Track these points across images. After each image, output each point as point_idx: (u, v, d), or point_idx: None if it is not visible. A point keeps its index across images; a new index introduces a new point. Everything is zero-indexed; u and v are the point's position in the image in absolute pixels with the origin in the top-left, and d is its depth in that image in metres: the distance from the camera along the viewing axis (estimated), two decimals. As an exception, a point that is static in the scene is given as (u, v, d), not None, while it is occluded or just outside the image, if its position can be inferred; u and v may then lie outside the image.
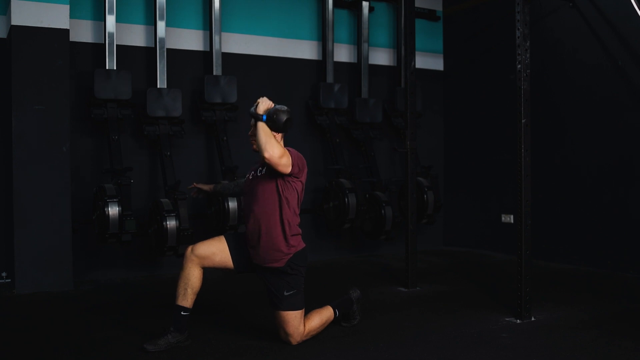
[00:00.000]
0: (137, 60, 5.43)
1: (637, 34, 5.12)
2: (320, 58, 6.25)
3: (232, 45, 5.83)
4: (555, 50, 5.83)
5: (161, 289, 4.86)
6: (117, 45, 5.15)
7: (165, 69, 5.34)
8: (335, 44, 6.25)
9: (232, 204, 5.12)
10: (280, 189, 3.23)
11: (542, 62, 5.82)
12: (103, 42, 5.12)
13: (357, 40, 6.41)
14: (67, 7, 4.82)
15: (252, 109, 3.23)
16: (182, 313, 3.22)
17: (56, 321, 3.90)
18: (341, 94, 6.13)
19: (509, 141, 5.71)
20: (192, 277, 3.23)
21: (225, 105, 5.56)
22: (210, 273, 3.47)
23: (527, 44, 3.82)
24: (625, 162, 5.27)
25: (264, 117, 3.17)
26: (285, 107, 3.24)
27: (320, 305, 3.53)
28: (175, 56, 5.55)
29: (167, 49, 5.40)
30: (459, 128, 6.95)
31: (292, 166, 3.17)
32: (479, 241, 6.69)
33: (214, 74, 5.55)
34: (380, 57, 6.66)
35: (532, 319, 3.79)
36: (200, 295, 3.30)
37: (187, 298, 3.22)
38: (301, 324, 3.29)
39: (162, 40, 5.33)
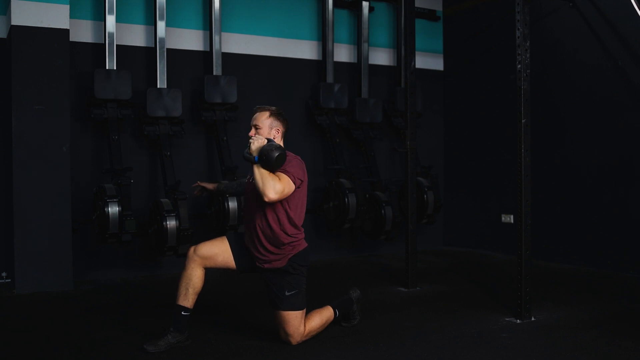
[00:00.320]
0: (137, 60, 5.43)
1: (637, 34, 5.12)
2: (320, 58, 6.25)
3: (232, 45, 5.83)
4: (555, 50, 5.83)
5: (161, 289, 4.86)
6: (117, 45, 5.15)
7: (165, 69, 5.34)
8: (335, 44, 6.25)
9: (232, 204, 5.12)
10: None
11: (542, 62, 5.82)
12: (103, 42, 5.12)
13: (357, 40, 6.41)
14: (67, 7, 4.82)
15: (246, 150, 3.18)
16: (182, 313, 3.22)
17: (56, 321, 3.90)
18: (341, 94, 6.13)
19: (509, 141, 5.71)
20: (194, 277, 3.23)
21: (225, 105, 5.56)
22: (211, 273, 3.46)
23: (527, 44, 3.82)
24: (625, 162, 5.27)
25: (256, 159, 3.13)
26: (275, 143, 3.16)
27: (320, 305, 3.53)
28: (175, 56, 5.55)
29: (167, 49, 5.40)
30: (459, 128, 6.95)
31: (295, 182, 3.18)
32: (479, 241, 6.69)
33: (214, 74, 5.55)
34: (380, 57, 6.66)
35: (532, 319, 3.79)
36: (201, 296, 3.30)
37: (188, 298, 3.22)
38: (301, 324, 3.29)
39: (162, 40, 5.33)
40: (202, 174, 5.69)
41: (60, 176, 4.79)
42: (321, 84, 6.07)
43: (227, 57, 5.74)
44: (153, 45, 5.39)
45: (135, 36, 5.43)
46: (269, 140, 3.21)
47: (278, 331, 3.33)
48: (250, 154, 3.14)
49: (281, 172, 3.16)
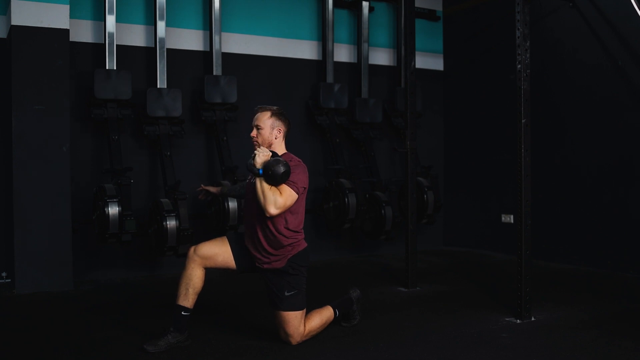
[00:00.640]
0: (137, 60, 5.43)
1: (637, 34, 5.12)
2: (320, 58, 6.25)
3: (232, 45, 5.83)
4: (555, 50, 5.83)
5: (161, 289, 4.86)
6: (117, 45, 5.15)
7: (165, 69, 5.34)
8: (335, 44, 6.25)
9: (232, 204, 5.12)
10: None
11: (542, 62, 5.82)
12: (103, 42, 5.12)
13: (357, 40, 6.41)
14: (67, 7, 4.82)
15: (250, 161, 3.16)
16: (182, 313, 3.22)
17: (56, 321, 3.90)
18: (341, 94, 6.13)
19: (509, 141, 5.71)
20: (195, 277, 3.23)
21: (225, 105, 5.56)
22: (211, 273, 3.46)
23: (527, 44, 3.82)
24: (625, 162, 5.27)
25: (260, 172, 3.11)
26: (281, 159, 3.14)
27: (320, 305, 3.53)
28: (175, 56, 5.55)
29: (167, 49, 5.40)
30: (459, 128, 6.95)
31: (298, 192, 3.18)
32: (479, 241, 6.69)
33: (214, 74, 5.55)
34: (380, 57, 6.66)
35: (532, 319, 3.79)
36: (201, 296, 3.30)
37: (188, 298, 3.22)
38: (301, 324, 3.29)
39: (162, 40, 5.33)
40: (202, 174, 5.69)
41: (60, 176, 4.79)
42: (321, 84, 6.07)
43: (227, 57, 5.74)
44: (153, 45, 5.39)
45: (135, 36, 5.43)
46: (273, 153, 3.20)
47: (278, 331, 3.33)
48: (254, 166, 3.13)
49: (285, 183, 3.15)
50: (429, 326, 3.69)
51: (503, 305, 4.12)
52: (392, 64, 6.73)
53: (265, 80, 5.99)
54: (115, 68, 5.09)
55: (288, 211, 3.23)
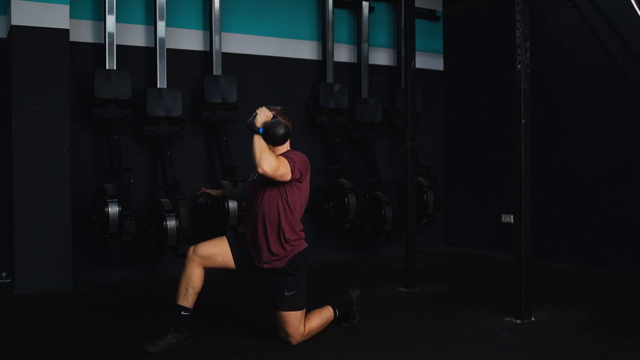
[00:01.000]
0: (137, 60, 5.43)
1: (637, 34, 5.12)
2: (320, 58, 6.25)
3: (232, 45, 5.83)
4: (555, 50, 5.83)
5: (161, 289, 4.86)
6: (117, 45, 5.15)
7: (165, 69, 5.34)
8: (335, 44, 6.25)
9: (232, 205, 5.12)
10: (282, 190, 3.23)
11: (542, 62, 5.82)
12: (103, 42, 5.12)
13: (357, 40, 6.41)
14: (67, 7, 4.82)
15: (250, 119, 3.18)
16: (182, 313, 3.22)
17: (56, 321, 3.90)
18: (341, 94, 6.13)
19: (509, 141, 5.71)
20: (194, 277, 3.23)
21: (225, 105, 5.56)
22: (211, 273, 3.46)
23: (527, 44, 3.82)
24: (625, 162, 5.27)
25: (260, 130, 3.13)
26: (282, 121, 3.18)
27: (320, 305, 3.53)
28: (175, 56, 5.55)
29: (167, 49, 5.40)
30: (459, 128, 6.95)
31: (293, 172, 3.16)
32: (479, 241, 6.69)
33: (214, 74, 5.55)
34: (380, 57, 6.66)
35: (532, 319, 3.79)
36: (201, 295, 3.30)
37: (188, 298, 3.22)
38: (301, 324, 3.29)
39: (162, 40, 5.33)
40: (202, 174, 5.69)
41: (60, 176, 4.79)
42: (321, 84, 6.07)
43: (227, 57, 5.74)
44: (153, 45, 5.39)
45: (135, 36, 5.43)
46: (274, 115, 3.21)
47: (278, 331, 3.33)
48: (254, 124, 3.14)
49: (284, 156, 3.16)
50: (429, 326, 3.69)
51: (503, 305, 4.12)
52: (392, 64, 6.73)
53: (265, 80, 5.99)
54: (115, 68, 5.09)
55: (288, 208, 3.23)
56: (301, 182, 3.26)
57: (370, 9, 6.42)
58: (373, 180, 6.10)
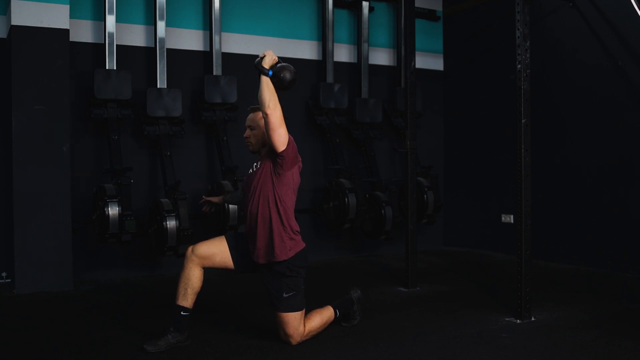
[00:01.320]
0: (137, 60, 5.43)
1: (637, 34, 5.12)
2: (320, 58, 6.25)
3: (232, 45, 5.83)
4: (555, 50, 5.83)
5: (161, 289, 4.86)
6: (117, 45, 5.15)
7: (165, 69, 5.34)
8: (335, 44, 6.25)
9: (232, 205, 5.11)
10: (275, 180, 3.21)
11: (542, 62, 5.82)
12: (103, 42, 5.12)
13: (357, 40, 6.41)
14: (67, 7, 4.82)
15: (258, 60, 3.18)
16: (182, 313, 3.22)
17: (56, 321, 3.90)
18: (341, 94, 6.13)
19: (509, 141, 5.71)
20: (193, 277, 3.23)
21: (225, 105, 5.56)
22: (211, 273, 3.46)
23: (527, 44, 3.82)
24: (625, 162, 5.27)
25: (270, 73, 3.14)
26: (291, 67, 3.21)
27: (320, 305, 3.53)
28: (175, 56, 5.55)
29: (167, 49, 5.40)
30: (459, 128, 6.95)
31: (288, 145, 3.16)
32: (479, 241, 6.69)
33: (214, 74, 5.55)
34: (380, 57, 6.66)
35: (532, 319, 3.79)
36: (200, 296, 3.30)
37: (187, 298, 3.22)
38: (301, 324, 3.29)
39: (162, 40, 5.33)
40: (202, 174, 5.69)
41: (60, 176, 4.79)
42: (321, 84, 6.07)
43: (227, 57, 5.74)
44: (153, 45, 5.39)
45: (135, 36, 5.43)
46: (276, 63, 3.22)
47: (278, 331, 3.33)
48: (263, 66, 3.15)
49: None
50: (429, 326, 3.69)
51: (503, 305, 4.12)
52: (392, 64, 6.73)
53: (265, 80, 5.98)
54: (115, 68, 5.09)
55: (281, 200, 3.21)
56: (290, 165, 3.22)
57: (370, 9, 6.42)
58: (373, 180, 6.10)
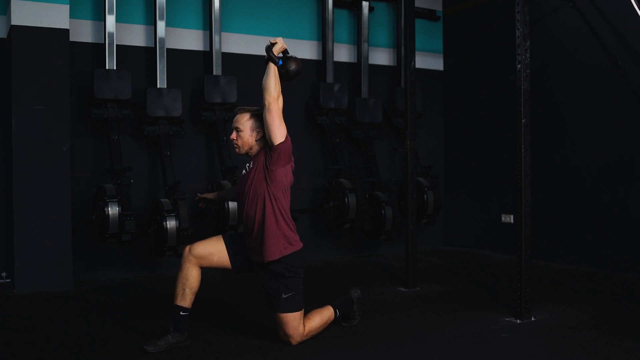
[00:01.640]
0: (137, 60, 5.43)
1: (637, 34, 5.12)
2: (320, 58, 6.25)
3: (232, 45, 5.83)
4: (555, 50, 5.83)
5: (161, 289, 4.86)
6: (117, 45, 5.15)
7: (165, 69, 5.34)
8: (335, 44, 6.25)
9: (232, 204, 5.11)
10: (269, 180, 3.20)
11: (542, 62, 5.82)
12: (103, 42, 5.12)
13: (357, 40, 6.41)
14: (67, 7, 4.82)
15: (268, 46, 3.20)
16: (181, 313, 3.22)
17: (56, 321, 3.90)
18: (341, 94, 6.13)
19: (509, 141, 5.71)
20: (191, 277, 3.23)
21: (225, 105, 5.56)
22: (207, 273, 3.46)
23: (527, 44, 3.82)
24: (625, 162, 5.27)
25: (280, 62, 3.17)
26: (297, 58, 3.26)
27: (320, 305, 3.53)
28: (175, 56, 5.55)
29: (167, 49, 5.40)
30: (459, 128, 6.95)
31: (286, 139, 3.16)
32: (479, 241, 6.69)
33: (214, 74, 5.55)
34: (380, 57, 6.66)
35: (532, 319, 3.79)
36: (198, 295, 3.30)
37: (185, 298, 3.22)
38: (300, 324, 3.29)
39: (162, 40, 5.33)
40: (202, 174, 5.69)
41: (60, 176, 4.79)
42: (321, 84, 6.07)
43: (227, 57, 5.74)
44: (153, 45, 5.39)
45: (135, 36, 5.43)
46: (284, 51, 3.25)
47: (278, 331, 3.33)
48: (273, 52, 3.19)
49: None
50: (429, 326, 3.69)
51: (503, 305, 4.12)
52: (392, 64, 6.73)
53: (265, 80, 5.98)
54: (115, 68, 5.09)
55: (275, 196, 3.20)
56: (284, 162, 3.20)
57: (370, 9, 6.42)
58: (373, 180, 6.10)
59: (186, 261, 3.24)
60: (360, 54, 6.36)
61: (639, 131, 5.16)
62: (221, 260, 3.30)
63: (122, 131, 5.27)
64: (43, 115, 4.73)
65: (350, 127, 6.25)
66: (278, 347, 3.28)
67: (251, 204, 3.25)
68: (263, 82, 3.17)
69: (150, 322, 3.76)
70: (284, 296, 3.24)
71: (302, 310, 3.31)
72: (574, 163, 5.69)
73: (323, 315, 3.44)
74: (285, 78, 3.19)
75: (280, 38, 3.26)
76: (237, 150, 3.35)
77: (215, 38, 5.58)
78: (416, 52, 4.98)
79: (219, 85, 5.49)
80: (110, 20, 5.10)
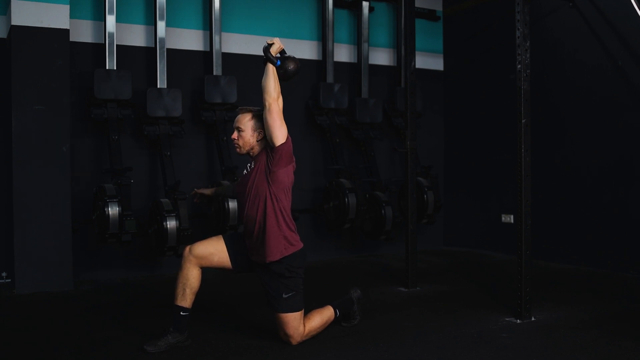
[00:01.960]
0: (137, 60, 5.43)
1: (637, 34, 5.12)
2: (320, 58, 6.25)
3: (232, 45, 5.83)
4: (555, 50, 5.83)
5: (161, 289, 4.86)
6: (117, 45, 5.15)
7: (165, 69, 5.34)
8: (335, 44, 6.25)
9: (232, 204, 5.11)
10: (270, 180, 3.20)
11: (542, 62, 5.82)
12: (103, 42, 5.13)
13: (357, 40, 6.41)
14: (67, 7, 4.82)
15: (265, 47, 3.20)
16: (181, 313, 3.22)
17: (56, 321, 3.90)
18: (341, 94, 6.13)
19: (509, 141, 5.70)
20: (191, 277, 3.23)
21: (225, 105, 5.56)
22: (207, 273, 3.46)
23: (527, 44, 3.82)
24: (625, 162, 5.27)
25: (278, 63, 3.17)
26: (295, 58, 3.25)
27: (320, 305, 3.53)
28: (175, 56, 5.55)
29: (167, 49, 5.40)
30: (459, 128, 6.95)
31: (287, 140, 3.16)
32: (479, 241, 6.69)
33: (214, 74, 5.55)
34: (380, 57, 6.66)
35: (532, 319, 3.79)
36: (199, 295, 3.29)
37: (185, 298, 3.22)
38: (301, 324, 3.29)
39: (162, 40, 5.33)
40: (202, 174, 5.69)
41: (60, 176, 4.79)
42: (321, 84, 6.07)
43: (227, 57, 5.74)
44: (153, 45, 5.39)
45: (135, 36, 5.43)
46: (282, 52, 3.24)
47: (278, 331, 3.32)
48: (271, 53, 3.18)
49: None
50: (429, 326, 3.69)
51: (503, 305, 4.12)
52: (392, 64, 6.73)
53: (265, 80, 5.99)
54: (115, 68, 5.09)
55: (276, 197, 3.20)
56: (285, 163, 3.20)
57: (370, 9, 6.42)
58: (373, 180, 6.10)
59: (186, 261, 3.24)
60: (360, 54, 6.36)
61: (639, 131, 5.16)
62: (221, 260, 3.30)
63: (122, 131, 5.27)
64: (43, 115, 4.73)
65: (350, 127, 6.25)
66: (278, 347, 3.28)
67: (252, 204, 3.25)
68: (262, 83, 3.17)
69: (150, 322, 3.76)
70: (284, 296, 3.24)
71: (302, 311, 3.31)
72: (574, 163, 5.69)
73: (323, 315, 3.44)
74: (283, 78, 3.19)
75: (277, 38, 3.25)
76: (238, 150, 3.35)
77: (216, 38, 5.58)
78: (416, 52, 4.98)
79: (219, 86, 5.49)
80: (111, 20, 5.10)
